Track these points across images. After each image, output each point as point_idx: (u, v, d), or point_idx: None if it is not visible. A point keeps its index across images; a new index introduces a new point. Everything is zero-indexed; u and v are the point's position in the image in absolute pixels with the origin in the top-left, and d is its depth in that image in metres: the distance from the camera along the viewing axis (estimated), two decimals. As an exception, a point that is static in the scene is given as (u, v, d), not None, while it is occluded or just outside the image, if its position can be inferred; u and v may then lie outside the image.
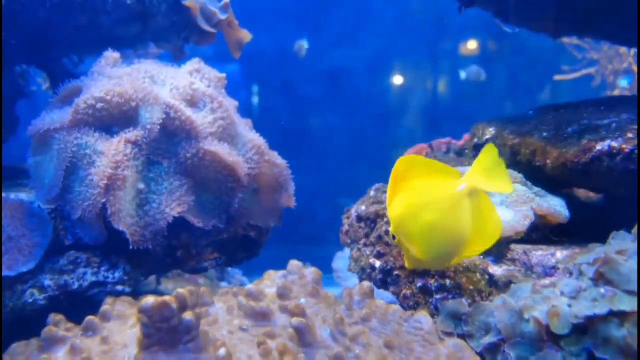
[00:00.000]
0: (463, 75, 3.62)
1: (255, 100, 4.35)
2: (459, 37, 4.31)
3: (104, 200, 1.14)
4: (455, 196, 0.89)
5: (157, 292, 1.70)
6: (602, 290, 0.88)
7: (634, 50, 3.18)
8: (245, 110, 1.55)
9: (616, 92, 3.33)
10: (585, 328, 0.86)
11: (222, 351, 0.87)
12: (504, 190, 0.91)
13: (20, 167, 1.55)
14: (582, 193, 1.37)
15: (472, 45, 4.33)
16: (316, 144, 4.24)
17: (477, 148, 1.55)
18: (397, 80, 4.44)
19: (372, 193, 1.53)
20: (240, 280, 2.48)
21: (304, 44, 3.59)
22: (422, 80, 4.42)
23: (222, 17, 1.79)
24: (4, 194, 1.23)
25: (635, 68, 3.19)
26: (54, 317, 1.05)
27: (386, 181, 1.63)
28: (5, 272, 1.11)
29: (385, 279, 1.23)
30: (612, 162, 1.06)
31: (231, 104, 1.43)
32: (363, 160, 4.14)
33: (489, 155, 0.91)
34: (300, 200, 1.49)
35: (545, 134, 1.23)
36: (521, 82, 4.30)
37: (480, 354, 0.96)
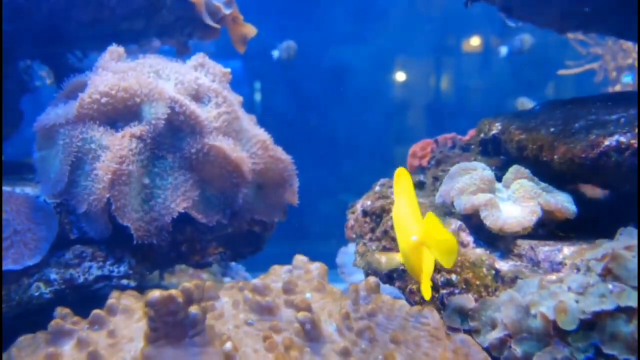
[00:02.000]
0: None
1: (258, 96, 4.35)
2: (462, 34, 4.29)
3: (108, 195, 1.14)
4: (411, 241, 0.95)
5: (162, 287, 1.70)
6: (610, 286, 0.87)
7: (638, 46, 3.16)
8: (248, 106, 1.54)
9: (617, 88, 3.31)
10: (592, 324, 0.86)
11: (228, 345, 0.87)
12: (445, 264, 0.92)
13: (25, 161, 1.55)
14: (588, 189, 1.36)
15: (475, 41, 4.32)
16: (320, 140, 4.23)
17: (483, 143, 1.55)
18: (401, 76, 4.43)
19: (377, 188, 1.53)
20: (244, 276, 2.48)
21: (292, 44, 3.52)
22: (426, 77, 4.41)
23: (227, 11, 1.78)
24: (9, 188, 1.23)
25: (640, 64, 3.17)
26: (60, 310, 1.05)
27: (391, 176, 1.63)
28: (11, 266, 1.11)
29: (391, 274, 1.23)
30: (620, 157, 1.05)
31: (235, 98, 1.43)
32: (367, 156, 4.14)
33: (432, 226, 0.91)
34: (304, 197, 1.49)
35: (552, 129, 1.23)
36: (525, 78, 4.28)
37: (486, 349, 0.96)
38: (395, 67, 4.40)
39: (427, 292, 0.92)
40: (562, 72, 3.41)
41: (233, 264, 2.45)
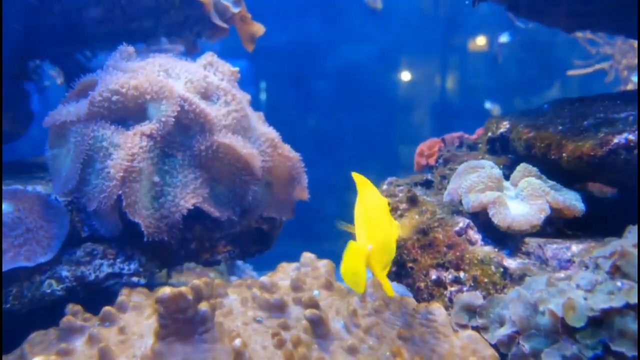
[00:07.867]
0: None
1: (264, 96, 4.35)
2: (469, 33, 4.28)
3: (119, 192, 1.15)
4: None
5: (171, 285, 1.72)
6: (619, 283, 0.87)
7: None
8: (255, 105, 1.55)
9: (629, 87, 3.29)
10: (600, 321, 0.86)
11: (237, 342, 0.87)
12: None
13: (37, 160, 1.57)
14: (596, 187, 1.36)
15: (481, 41, 4.31)
16: (326, 139, 4.23)
17: (491, 142, 1.55)
18: (407, 75, 4.43)
19: (384, 187, 1.53)
20: (251, 275, 2.49)
21: None
22: (433, 76, 4.40)
23: (235, 10, 1.79)
24: (22, 187, 1.25)
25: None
26: (71, 307, 1.06)
27: (399, 175, 1.63)
28: (24, 263, 1.13)
29: (399, 272, 1.23)
30: (629, 155, 1.05)
31: (244, 97, 1.44)
32: (374, 155, 4.14)
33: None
34: (310, 195, 1.49)
35: (560, 127, 1.22)
36: (531, 77, 4.26)
37: (494, 346, 0.96)
38: (402, 66, 4.39)
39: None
40: (571, 72, 3.36)
41: (240, 262, 2.46)
